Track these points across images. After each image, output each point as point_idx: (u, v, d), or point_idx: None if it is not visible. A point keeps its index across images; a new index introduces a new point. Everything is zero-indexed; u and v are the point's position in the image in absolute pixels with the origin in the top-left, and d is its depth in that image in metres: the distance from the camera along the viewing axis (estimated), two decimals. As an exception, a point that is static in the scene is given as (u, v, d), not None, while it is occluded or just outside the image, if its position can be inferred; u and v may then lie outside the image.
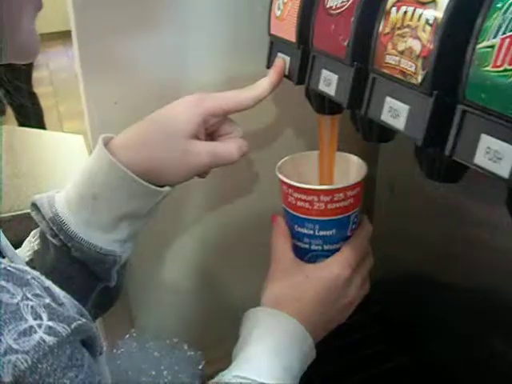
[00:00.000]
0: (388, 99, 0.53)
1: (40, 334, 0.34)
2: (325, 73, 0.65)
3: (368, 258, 0.74)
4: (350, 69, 0.59)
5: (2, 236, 0.50)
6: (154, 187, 0.66)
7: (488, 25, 0.41)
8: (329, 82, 0.64)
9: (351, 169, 0.78)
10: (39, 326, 0.35)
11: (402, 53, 0.50)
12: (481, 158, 0.43)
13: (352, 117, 0.67)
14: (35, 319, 0.34)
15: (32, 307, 0.35)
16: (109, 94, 0.81)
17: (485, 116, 0.42)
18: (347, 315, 0.72)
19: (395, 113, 0.52)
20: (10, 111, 4.41)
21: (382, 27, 0.53)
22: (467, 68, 0.43)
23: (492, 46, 0.40)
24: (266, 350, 0.63)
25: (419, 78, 0.48)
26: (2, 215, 0.48)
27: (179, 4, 0.80)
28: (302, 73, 0.69)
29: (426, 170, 0.55)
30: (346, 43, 0.58)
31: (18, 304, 0.35)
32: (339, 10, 0.59)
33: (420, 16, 0.48)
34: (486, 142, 0.42)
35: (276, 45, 0.76)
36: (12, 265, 0.38)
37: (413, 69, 0.49)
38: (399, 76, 0.51)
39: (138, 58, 0.80)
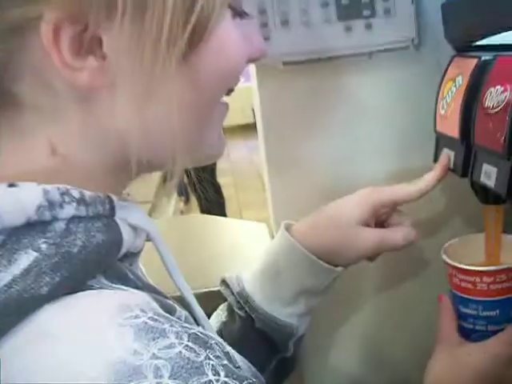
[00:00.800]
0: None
1: None
2: (485, 166, 0.71)
3: None
4: (507, 162, 0.65)
5: (199, 308, 0.60)
6: (329, 266, 0.76)
7: None
8: (489, 175, 0.70)
9: None
10: (217, 380, 0.40)
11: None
12: None
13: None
14: (214, 375, 0.40)
15: (212, 365, 0.40)
16: (290, 185, 0.92)
17: None
18: None
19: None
20: (193, 200, 4.78)
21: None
22: None
23: None
24: None
25: None
26: (195, 291, 0.59)
27: (350, 105, 0.91)
28: (466, 166, 0.76)
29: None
30: (502, 139, 0.65)
31: (201, 362, 0.40)
32: (496, 110, 0.66)
33: None
34: None
35: (441, 141, 0.83)
36: (201, 330, 0.45)
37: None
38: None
39: (315, 155, 0.92)
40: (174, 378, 0.37)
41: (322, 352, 1.01)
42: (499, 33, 0.69)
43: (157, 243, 0.55)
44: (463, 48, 0.81)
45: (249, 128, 8.45)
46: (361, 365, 1.04)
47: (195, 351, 0.40)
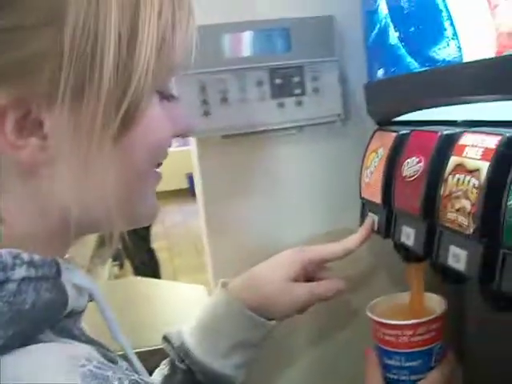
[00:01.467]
0: (451, 247, 0.67)
1: None
2: (405, 228, 0.80)
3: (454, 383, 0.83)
4: (422, 224, 0.73)
5: (138, 361, 0.62)
6: (263, 320, 0.82)
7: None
8: (408, 236, 0.79)
9: (435, 306, 0.87)
10: None
11: (458, 210, 0.65)
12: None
13: (431, 264, 0.80)
14: None
15: None
16: (228, 247, 0.99)
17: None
18: None
19: (457, 258, 0.66)
20: (128, 265, 4.77)
21: (443, 191, 0.68)
22: (503, 221, 0.57)
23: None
24: None
25: (471, 230, 0.62)
26: (136, 350, 0.63)
27: (283, 174, 0.99)
28: (388, 228, 0.85)
29: (489, 303, 0.67)
30: (418, 203, 0.74)
31: None
32: (412, 178, 0.76)
33: (468, 182, 0.63)
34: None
35: (366, 206, 0.92)
36: (142, 377, 0.49)
37: (466, 223, 0.63)
38: (458, 228, 0.65)
39: (249, 220, 1.00)
40: None
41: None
42: (414, 111, 0.79)
43: (98, 301, 0.59)
44: (384, 123, 0.91)
45: (183, 193, 8.51)
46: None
47: None
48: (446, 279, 0.79)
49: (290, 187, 1.01)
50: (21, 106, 0.47)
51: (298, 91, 0.96)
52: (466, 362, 1.01)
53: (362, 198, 0.93)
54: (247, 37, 0.92)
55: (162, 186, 0.62)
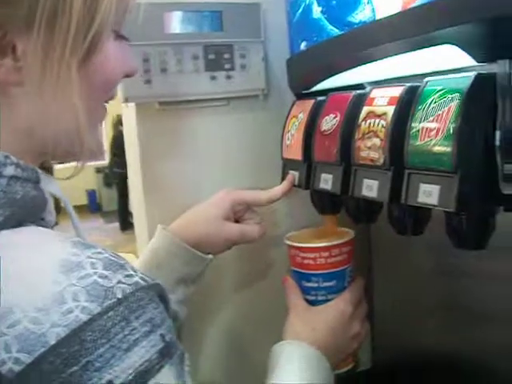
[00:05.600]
0: (365, 181, 0.82)
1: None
2: (324, 176, 0.94)
3: (363, 303, 0.95)
4: (339, 168, 0.88)
5: None
6: (201, 253, 0.94)
7: (416, 117, 0.71)
8: (327, 181, 0.93)
9: (345, 235, 0.97)
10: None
11: (369, 148, 0.80)
12: (421, 198, 0.71)
13: (346, 210, 0.95)
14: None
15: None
16: (164, 207, 1.10)
17: (420, 172, 0.71)
18: (354, 347, 0.92)
19: (370, 188, 0.81)
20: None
21: (357, 135, 0.82)
22: (407, 147, 0.72)
23: (418, 131, 0.70)
24: (293, 368, 0.83)
25: (381, 161, 0.77)
26: None
27: (212, 139, 1.13)
28: (308, 179, 0.98)
29: (395, 225, 0.82)
30: (335, 151, 0.88)
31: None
32: (329, 131, 0.90)
33: (378, 123, 0.78)
34: (423, 187, 0.70)
35: (287, 165, 1.06)
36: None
37: (377, 156, 0.78)
38: (370, 163, 0.80)
39: (183, 179, 1.11)
40: None
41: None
42: (330, 76, 0.94)
43: (70, 212, 0.67)
44: (303, 95, 1.05)
45: (83, 209, 8.39)
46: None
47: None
48: (357, 220, 0.94)
49: (219, 152, 1.13)
50: (0, 27, 0.54)
51: (227, 66, 1.09)
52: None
53: (284, 159, 1.07)
54: (186, 16, 1.04)
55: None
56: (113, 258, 0.53)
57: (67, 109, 0.59)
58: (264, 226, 1.02)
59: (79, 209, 7.24)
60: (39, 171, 0.60)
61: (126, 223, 7.83)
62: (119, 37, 0.65)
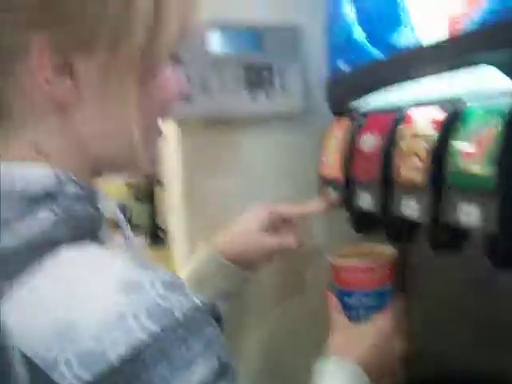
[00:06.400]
0: (405, 200, 0.83)
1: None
2: (362, 195, 0.95)
3: (403, 320, 0.96)
4: (379, 187, 0.89)
5: None
6: (241, 269, 0.97)
7: (457, 138, 0.72)
8: (366, 200, 0.94)
9: (386, 253, 0.99)
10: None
11: (409, 168, 0.81)
12: (461, 219, 0.72)
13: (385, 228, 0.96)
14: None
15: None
16: (204, 223, 1.12)
17: (460, 193, 0.72)
18: (394, 364, 0.94)
19: (410, 208, 0.82)
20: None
21: (397, 155, 0.84)
22: (447, 168, 0.73)
23: (458, 151, 0.71)
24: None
25: (421, 181, 0.78)
26: None
27: (253, 155, 1.15)
28: (347, 199, 0.99)
29: (432, 243, 0.83)
30: (375, 171, 0.89)
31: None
32: (369, 151, 0.91)
33: (418, 144, 0.79)
34: (464, 207, 0.71)
35: (324, 183, 1.07)
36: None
37: (417, 176, 0.79)
38: (410, 183, 0.81)
39: (223, 194, 1.14)
40: None
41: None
42: (368, 94, 0.95)
43: (122, 225, 0.69)
44: (341, 114, 1.07)
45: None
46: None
47: None
48: (397, 239, 0.95)
49: (258, 169, 1.16)
50: (60, 49, 0.55)
51: (267, 86, 1.11)
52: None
53: (322, 177, 1.08)
54: (227, 36, 1.07)
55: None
56: (171, 279, 0.54)
57: (124, 127, 0.61)
58: (301, 237, 1.03)
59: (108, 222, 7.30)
60: (96, 189, 0.63)
61: (155, 238, 7.88)
62: (174, 57, 0.66)
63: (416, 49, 0.76)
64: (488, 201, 0.69)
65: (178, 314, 0.50)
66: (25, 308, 0.49)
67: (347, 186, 0.99)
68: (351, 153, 0.97)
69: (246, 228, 1.00)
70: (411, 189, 0.81)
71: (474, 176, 0.70)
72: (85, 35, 0.55)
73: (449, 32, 0.71)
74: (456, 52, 0.70)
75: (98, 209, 0.62)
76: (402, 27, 0.78)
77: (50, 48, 0.54)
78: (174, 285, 0.53)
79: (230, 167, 1.13)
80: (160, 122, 0.68)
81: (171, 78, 0.64)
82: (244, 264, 0.98)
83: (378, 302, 0.95)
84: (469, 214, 0.72)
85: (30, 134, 0.58)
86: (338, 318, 0.96)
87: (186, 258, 1.13)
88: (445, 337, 1.17)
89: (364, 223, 1.03)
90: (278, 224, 1.04)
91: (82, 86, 0.57)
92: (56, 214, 0.54)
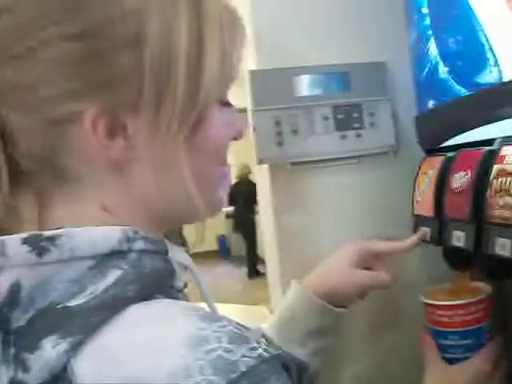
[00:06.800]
0: (498, 239, 0.81)
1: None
2: (456, 233, 0.94)
3: (502, 361, 0.92)
4: (472, 225, 0.88)
5: None
6: (333, 307, 0.96)
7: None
8: (459, 238, 0.92)
9: (481, 290, 0.96)
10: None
11: (502, 206, 0.79)
12: None
13: (478, 265, 0.94)
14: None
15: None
16: (297, 262, 1.14)
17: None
18: None
19: (503, 247, 0.80)
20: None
21: (489, 193, 0.82)
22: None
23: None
24: None
25: (514, 219, 0.76)
26: None
27: (346, 196, 1.15)
28: (440, 235, 0.98)
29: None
30: (467, 209, 0.88)
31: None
32: (460, 189, 0.90)
33: (510, 182, 0.77)
34: None
35: (418, 222, 1.07)
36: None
37: (509, 215, 0.77)
38: (503, 222, 0.79)
39: (315, 235, 1.14)
40: None
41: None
42: (459, 134, 0.95)
43: (196, 276, 0.70)
44: (431, 151, 1.06)
45: (212, 255, 8.61)
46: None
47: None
48: (492, 276, 0.92)
49: (349, 208, 1.16)
50: (110, 113, 0.56)
51: (357, 125, 1.12)
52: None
53: (415, 215, 1.07)
54: (314, 78, 1.09)
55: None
56: (237, 331, 0.54)
57: (178, 180, 0.61)
58: (394, 272, 1.01)
59: (210, 254, 7.46)
60: (166, 242, 0.64)
61: (254, 270, 7.98)
62: (224, 104, 0.65)
63: (502, 87, 0.75)
64: None
65: (242, 367, 0.50)
66: (95, 366, 0.51)
67: (440, 224, 0.98)
68: (443, 190, 0.96)
69: (336, 265, 1.00)
70: (504, 227, 0.80)
71: None
72: (132, 93, 0.56)
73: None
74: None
75: (169, 261, 0.62)
76: (488, 65, 0.77)
77: (101, 111, 0.56)
78: (240, 337, 0.53)
79: (320, 207, 1.15)
80: (219, 167, 0.67)
81: (220, 125, 0.63)
82: (337, 301, 0.97)
83: (475, 341, 0.92)
84: None
85: (93, 194, 0.60)
86: (434, 359, 0.94)
87: (280, 291, 1.15)
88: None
89: (459, 261, 1.01)
90: (369, 261, 1.02)
91: (135, 144, 0.58)
92: (125, 272, 0.55)
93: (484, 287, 0.97)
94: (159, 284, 0.60)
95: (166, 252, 0.62)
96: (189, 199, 0.61)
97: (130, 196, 0.61)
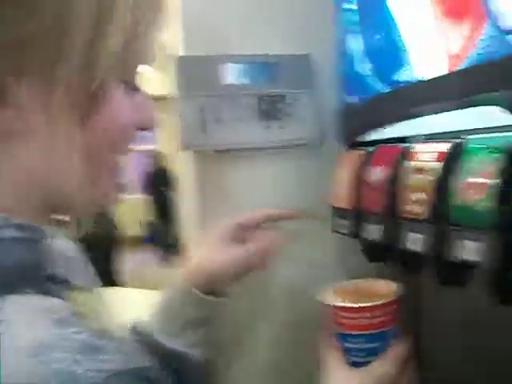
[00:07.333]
0: (410, 234, 0.84)
1: None
2: (370, 226, 0.96)
3: (409, 363, 0.85)
4: (386, 220, 0.90)
5: None
6: (209, 298, 0.89)
7: (459, 174, 0.73)
8: (374, 232, 0.95)
9: (391, 291, 0.88)
10: None
11: (414, 202, 0.82)
12: (465, 255, 0.72)
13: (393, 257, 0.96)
14: None
15: None
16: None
17: (464, 229, 0.72)
18: None
19: (414, 241, 0.83)
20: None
21: (402, 188, 0.85)
22: (450, 203, 0.74)
23: (461, 188, 0.72)
24: None
25: (425, 215, 0.79)
26: None
27: (267, 184, 1.16)
28: (356, 229, 1.01)
29: (440, 276, 0.83)
30: (382, 203, 0.90)
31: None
32: (377, 183, 0.93)
33: (423, 178, 0.80)
34: (467, 244, 0.72)
35: (336, 213, 1.09)
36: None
37: (421, 210, 0.80)
38: (415, 217, 0.82)
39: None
40: None
41: None
42: (378, 128, 0.97)
43: (75, 264, 0.61)
44: (352, 145, 1.08)
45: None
46: None
47: None
48: (405, 270, 0.95)
49: (270, 197, 1.17)
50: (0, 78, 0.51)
51: (280, 116, 1.13)
52: (422, 347, 1.16)
53: (333, 208, 1.09)
54: (241, 68, 1.09)
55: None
56: (89, 341, 0.49)
57: (68, 163, 0.56)
58: (273, 235, 0.95)
59: (135, 240, 7.39)
60: (45, 229, 0.57)
61: (176, 256, 8.00)
62: (132, 88, 0.60)
63: (418, 86, 0.77)
64: (490, 237, 0.69)
65: (85, 381, 0.46)
66: None
67: (357, 217, 1.01)
68: (360, 184, 0.98)
69: (211, 248, 0.93)
70: (416, 222, 0.82)
71: (475, 212, 0.71)
72: (23, 61, 0.52)
73: (448, 70, 0.72)
74: (457, 91, 0.71)
75: (43, 250, 0.56)
76: (405, 64, 0.79)
77: None
78: (90, 347, 0.48)
79: (242, 195, 1.15)
80: (118, 156, 0.62)
81: (122, 110, 0.58)
82: (220, 286, 0.92)
83: (380, 345, 0.85)
84: (472, 250, 0.73)
85: None
86: (335, 361, 0.87)
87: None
88: (459, 367, 1.16)
89: (376, 253, 1.03)
90: (245, 235, 0.95)
91: (23, 117, 0.53)
92: None
93: (394, 288, 0.89)
94: (26, 276, 0.53)
95: (41, 239, 0.56)
96: (75, 184, 0.57)
97: (12, 173, 0.55)
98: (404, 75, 0.80)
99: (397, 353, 0.85)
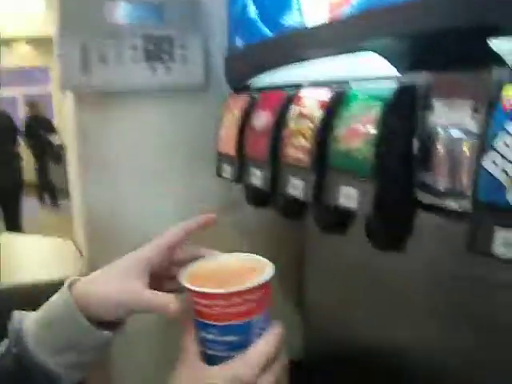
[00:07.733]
0: (291, 179, 0.85)
1: None
2: (254, 171, 0.97)
3: (278, 362, 0.71)
4: (268, 165, 0.91)
5: None
6: (94, 328, 0.73)
7: (339, 121, 0.74)
8: (257, 177, 0.95)
9: (259, 273, 0.69)
10: None
11: (296, 148, 0.83)
12: (342, 201, 0.74)
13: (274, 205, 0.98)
14: None
15: None
16: (101, 191, 1.12)
17: (342, 175, 0.74)
18: None
19: (295, 187, 0.84)
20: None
21: (285, 134, 0.86)
22: (330, 150, 0.76)
23: (341, 135, 0.74)
24: None
25: (306, 161, 0.80)
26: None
27: (151, 129, 1.14)
28: (240, 174, 1.01)
29: (319, 222, 0.85)
30: (265, 149, 0.91)
31: None
32: (261, 129, 0.93)
33: (305, 124, 0.81)
34: (344, 190, 0.74)
35: (221, 158, 1.08)
36: None
37: (302, 156, 0.81)
38: (296, 163, 0.83)
39: (121, 164, 1.13)
40: None
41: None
42: (263, 74, 0.97)
43: None
44: (239, 89, 1.08)
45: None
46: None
47: None
48: (286, 216, 0.97)
49: (155, 141, 1.16)
50: None
51: (167, 58, 1.10)
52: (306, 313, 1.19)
53: (218, 152, 1.09)
54: (127, 7, 1.05)
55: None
56: None
57: None
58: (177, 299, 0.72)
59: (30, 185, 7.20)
60: None
61: (46, 199, 8.08)
62: None
63: (301, 31, 0.78)
64: (365, 184, 0.71)
65: None
66: None
67: (240, 162, 1.01)
68: (245, 130, 0.98)
69: (111, 272, 0.76)
70: (297, 168, 0.83)
71: (353, 158, 0.73)
72: None
73: (330, 17, 0.72)
74: (338, 37, 0.72)
75: None
76: (291, 9, 0.79)
77: None
78: None
79: (127, 139, 1.13)
80: None
81: None
82: (107, 316, 0.75)
83: (240, 338, 0.69)
84: (348, 196, 0.75)
85: None
86: (190, 355, 0.71)
87: (84, 223, 1.13)
88: (340, 312, 1.20)
89: (259, 199, 1.05)
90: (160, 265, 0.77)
91: None
92: None
93: (264, 268, 0.70)
94: None
95: None
96: None
97: None
98: (288, 20, 0.80)
99: (260, 351, 0.70)
